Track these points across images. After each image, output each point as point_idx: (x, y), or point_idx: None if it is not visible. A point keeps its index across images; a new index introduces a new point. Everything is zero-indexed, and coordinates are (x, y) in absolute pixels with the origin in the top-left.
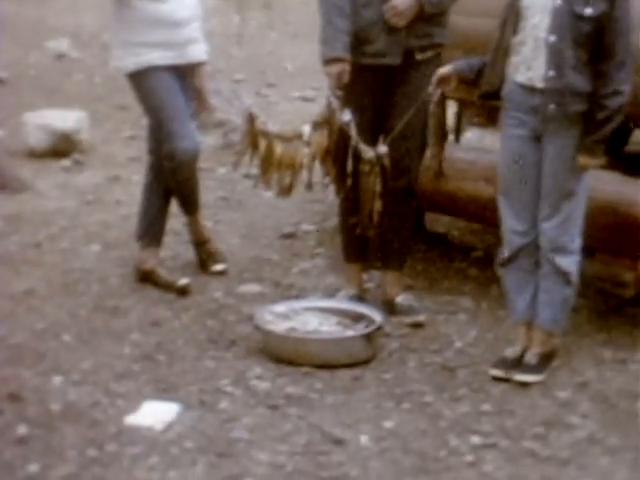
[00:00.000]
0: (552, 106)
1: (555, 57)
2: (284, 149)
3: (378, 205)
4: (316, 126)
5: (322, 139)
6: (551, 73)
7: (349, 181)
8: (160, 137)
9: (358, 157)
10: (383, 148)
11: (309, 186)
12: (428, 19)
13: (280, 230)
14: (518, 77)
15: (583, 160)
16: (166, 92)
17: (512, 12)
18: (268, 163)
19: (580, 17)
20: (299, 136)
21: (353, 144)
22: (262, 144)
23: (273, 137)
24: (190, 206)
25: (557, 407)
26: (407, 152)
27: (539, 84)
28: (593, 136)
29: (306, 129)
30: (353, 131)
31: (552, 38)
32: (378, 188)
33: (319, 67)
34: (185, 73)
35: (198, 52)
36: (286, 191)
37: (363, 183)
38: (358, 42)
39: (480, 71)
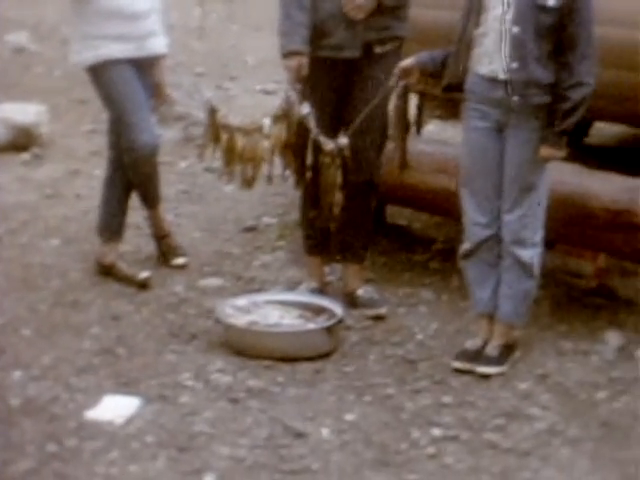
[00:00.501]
0: (515, 98)
1: (518, 49)
2: (245, 142)
3: (339, 198)
4: (276, 119)
5: (281, 132)
6: (514, 65)
7: (309, 174)
8: (119, 131)
9: (318, 150)
10: (344, 140)
11: (269, 179)
12: (387, 12)
13: (241, 223)
14: (481, 69)
15: (546, 151)
16: (125, 85)
17: (475, 4)
18: (230, 156)
19: (543, 8)
20: (259, 129)
21: (313, 137)
22: (224, 137)
23: (234, 130)
24: (151, 200)
25: (518, 399)
26: (367, 145)
27: (502, 76)
28: (556, 127)
29: (266, 122)
30: (312, 124)
31: (515, 29)
32: (339, 180)
33: (280, 60)
34: (144, 66)
35: (158, 45)
36: (249, 183)
37: (323, 176)
38: (317, 35)
39: (443, 63)
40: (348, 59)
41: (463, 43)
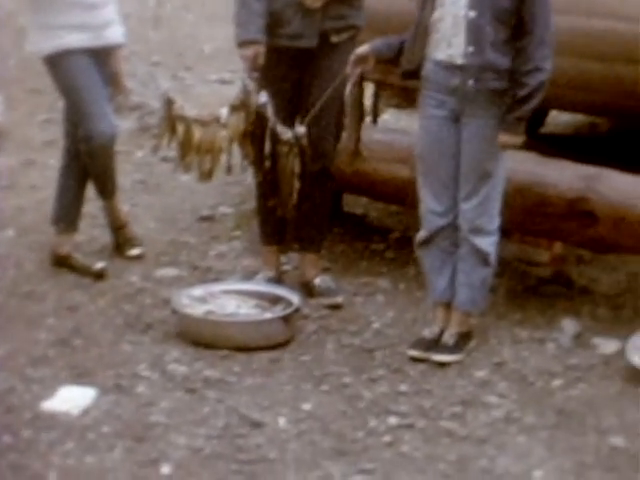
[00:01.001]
0: (471, 82)
1: (474, 33)
2: (202, 133)
3: (297, 186)
4: (233, 109)
5: (239, 122)
6: (470, 49)
7: (267, 163)
8: (76, 120)
9: (276, 139)
10: (301, 129)
11: (228, 169)
12: (343, 1)
13: (198, 213)
14: (438, 55)
15: (504, 138)
16: (83, 75)
17: None
18: (187, 147)
19: None
20: (217, 120)
21: (270, 126)
22: (180, 129)
23: (191, 121)
24: (107, 190)
25: (474, 387)
26: (323, 134)
27: (458, 61)
28: (514, 113)
29: (223, 112)
30: (270, 113)
31: (471, 14)
32: (297, 169)
33: (236, 49)
34: (102, 56)
35: (115, 34)
36: (207, 175)
37: (282, 164)
38: (273, 24)
39: (399, 50)
40: (305, 48)
41: (420, 29)
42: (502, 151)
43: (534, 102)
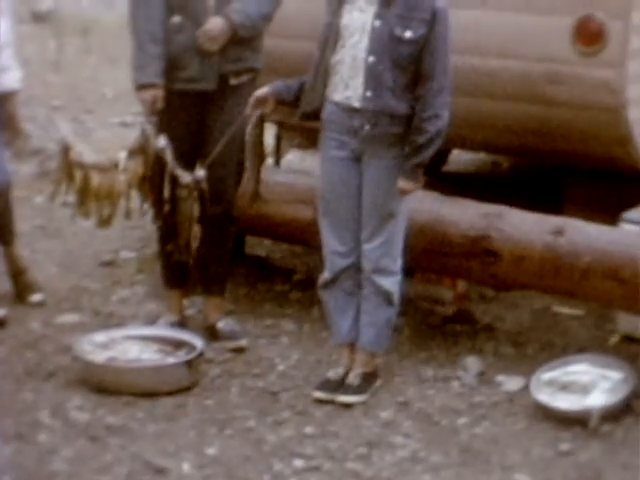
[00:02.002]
0: (367, 127)
1: (373, 78)
2: (101, 179)
3: (196, 230)
4: (132, 153)
5: (138, 166)
6: (368, 94)
7: (166, 207)
8: None
9: (175, 183)
10: (201, 173)
11: (127, 214)
12: (242, 43)
13: (99, 258)
14: (336, 96)
15: (403, 184)
16: None
17: (331, 31)
18: (85, 194)
19: (399, 40)
20: (115, 165)
21: (169, 170)
22: (78, 175)
23: (89, 168)
24: (5, 236)
25: (380, 427)
26: (224, 177)
27: (356, 104)
28: (413, 160)
29: (122, 157)
30: (169, 157)
31: (371, 59)
32: (196, 213)
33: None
34: None
35: (10, 80)
36: (106, 222)
37: (181, 209)
38: (171, 68)
39: (298, 92)
40: (203, 91)
41: (320, 70)
42: (402, 196)
43: (432, 149)
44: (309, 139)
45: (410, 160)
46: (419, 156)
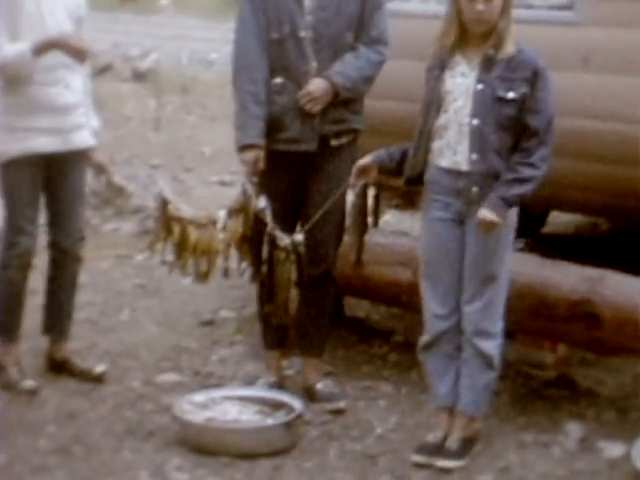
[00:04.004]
0: (475, 188)
1: (478, 141)
2: (199, 235)
3: (294, 293)
4: (231, 212)
5: (237, 225)
6: (474, 156)
7: (264, 268)
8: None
9: (274, 244)
10: (299, 236)
11: (226, 273)
12: (343, 105)
13: (199, 317)
14: (442, 162)
15: (483, 213)
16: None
17: (434, 96)
18: (183, 249)
19: (503, 100)
20: (213, 222)
21: (269, 231)
22: (176, 229)
23: (187, 222)
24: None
25: None
26: (324, 239)
27: (464, 167)
28: (499, 192)
29: (221, 215)
30: (269, 218)
31: (475, 122)
32: (293, 276)
33: (236, 153)
34: (70, 161)
35: (83, 138)
36: (203, 277)
37: (278, 271)
38: (273, 128)
39: (401, 160)
40: (304, 152)
41: (423, 136)
42: (480, 228)
43: (521, 189)
44: (407, 200)
45: (496, 192)
46: (506, 190)
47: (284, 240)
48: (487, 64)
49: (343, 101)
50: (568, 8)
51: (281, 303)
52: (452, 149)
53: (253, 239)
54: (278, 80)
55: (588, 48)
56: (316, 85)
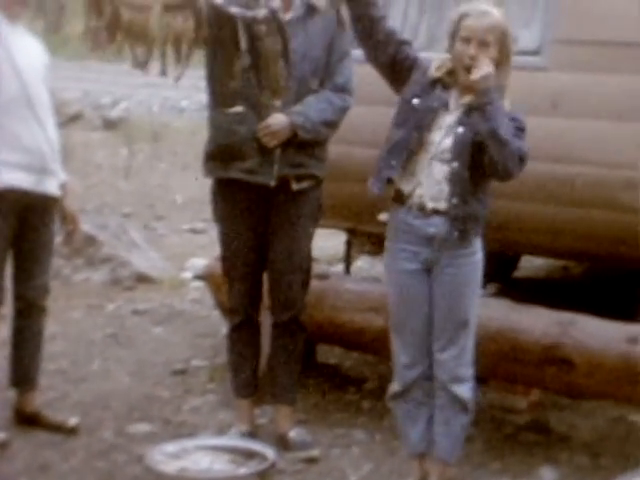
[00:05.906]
0: (455, 233)
1: (457, 184)
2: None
3: (282, 66)
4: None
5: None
6: (454, 200)
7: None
8: None
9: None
10: (276, 2)
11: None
12: (303, 149)
13: (170, 366)
14: (415, 203)
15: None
16: None
17: (413, 138)
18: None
19: (481, 146)
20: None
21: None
22: (107, 10)
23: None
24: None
25: None
26: (291, 285)
27: (442, 209)
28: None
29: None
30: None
31: (454, 165)
32: (279, 47)
33: (208, 199)
34: (40, 206)
35: (52, 186)
36: (142, 65)
37: (263, 46)
38: (232, 157)
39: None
40: (264, 187)
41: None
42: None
43: (505, 147)
44: (379, 246)
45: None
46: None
47: (261, 12)
48: (469, 110)
49: (304, 145)
50: (536, 53)
51: (273, 79)
52: (430, 193)
53: None
54: (239, 109)
55: (556, 93)
56: (276, 119)
